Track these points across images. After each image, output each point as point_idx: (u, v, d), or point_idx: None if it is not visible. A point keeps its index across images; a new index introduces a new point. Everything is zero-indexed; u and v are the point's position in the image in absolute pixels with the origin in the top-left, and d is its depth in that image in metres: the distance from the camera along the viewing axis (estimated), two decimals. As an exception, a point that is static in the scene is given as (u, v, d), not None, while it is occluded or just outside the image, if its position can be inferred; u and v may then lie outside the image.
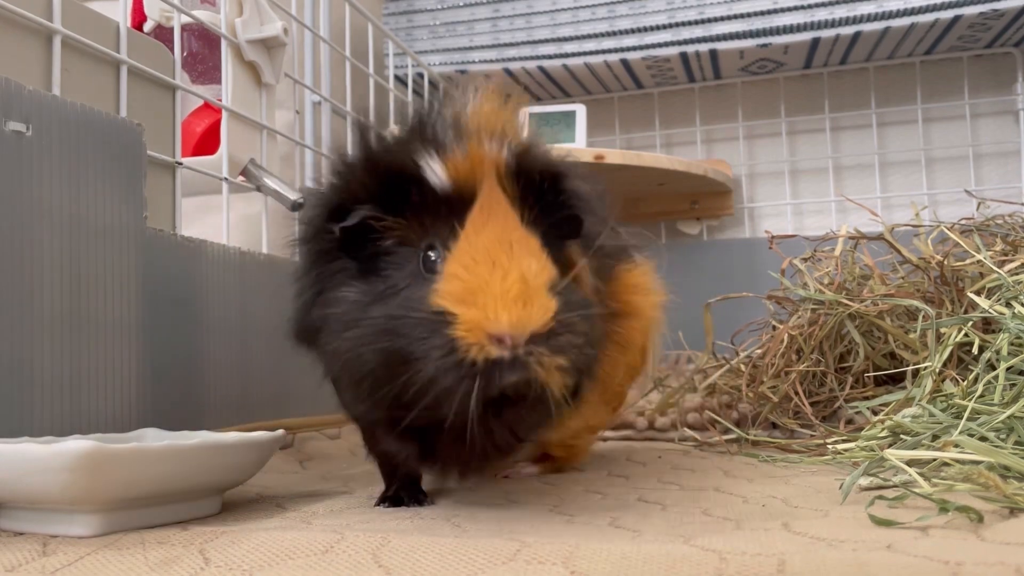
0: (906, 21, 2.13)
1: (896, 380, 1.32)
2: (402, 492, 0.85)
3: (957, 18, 2.11)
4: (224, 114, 1.36)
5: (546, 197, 0.73)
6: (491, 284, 0.63)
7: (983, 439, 0.86)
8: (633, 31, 2.34)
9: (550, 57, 2.41)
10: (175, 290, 1.15)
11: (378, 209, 0.70)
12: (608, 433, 1.51)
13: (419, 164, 0.69)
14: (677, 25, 2.30)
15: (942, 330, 1.14)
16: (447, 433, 0.69)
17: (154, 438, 0.92)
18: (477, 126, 0.73)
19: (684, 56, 2.36)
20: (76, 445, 0.66)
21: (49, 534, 0.70)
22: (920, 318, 1.21)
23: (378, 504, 0.84)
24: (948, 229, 1.35)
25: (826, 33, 2.21)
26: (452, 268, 0.66)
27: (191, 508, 0.78)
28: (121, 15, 1.15)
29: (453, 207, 0.69)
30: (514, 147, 0.72)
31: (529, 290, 0.63)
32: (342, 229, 0.71)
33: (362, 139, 0.75)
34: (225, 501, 0.85)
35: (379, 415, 0.75)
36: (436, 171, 0.69)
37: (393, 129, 0.80)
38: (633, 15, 2.34)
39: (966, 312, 1.22)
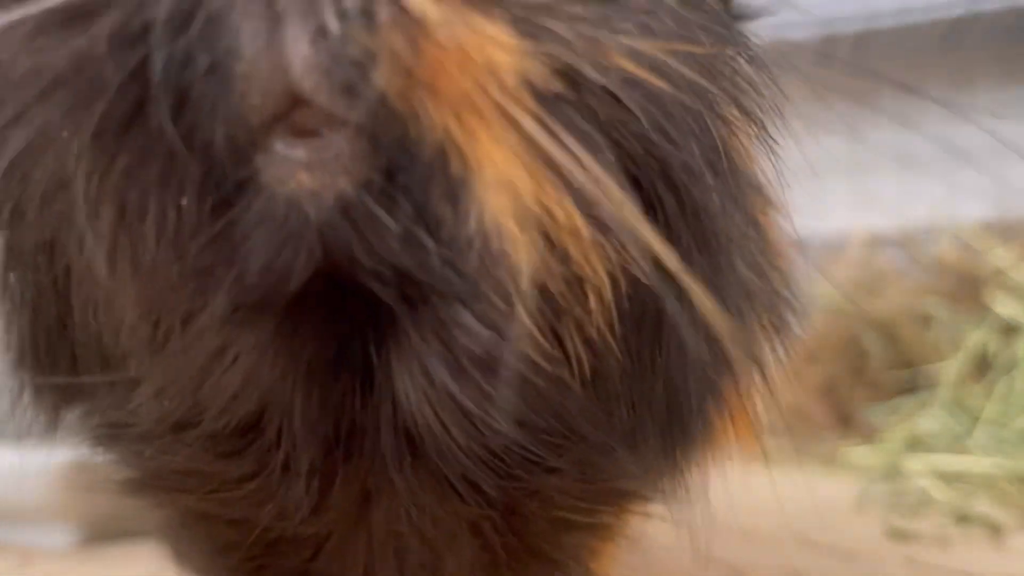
0: (921, 17, 2.12)
1: (912, 385, 1.30)
2: None
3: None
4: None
5: None
6: None
7: (1001, 445, 0.84)
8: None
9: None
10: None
11: None
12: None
13: None
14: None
15: (960, 334, 1.13)
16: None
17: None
18: None
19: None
20: (56, 455, 0.64)
21: (28, 545, 0.68)
22: (937, 322, 1.19)
23: None
24: (967, 230, 1.33)
25: (840, 29, 2.19)
26: None
27: (179, 518, 0.76)
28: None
29: None
30: None
31: None
32: None
33: None
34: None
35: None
36: None
37: None
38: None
39: (985, 316, 1.19)
